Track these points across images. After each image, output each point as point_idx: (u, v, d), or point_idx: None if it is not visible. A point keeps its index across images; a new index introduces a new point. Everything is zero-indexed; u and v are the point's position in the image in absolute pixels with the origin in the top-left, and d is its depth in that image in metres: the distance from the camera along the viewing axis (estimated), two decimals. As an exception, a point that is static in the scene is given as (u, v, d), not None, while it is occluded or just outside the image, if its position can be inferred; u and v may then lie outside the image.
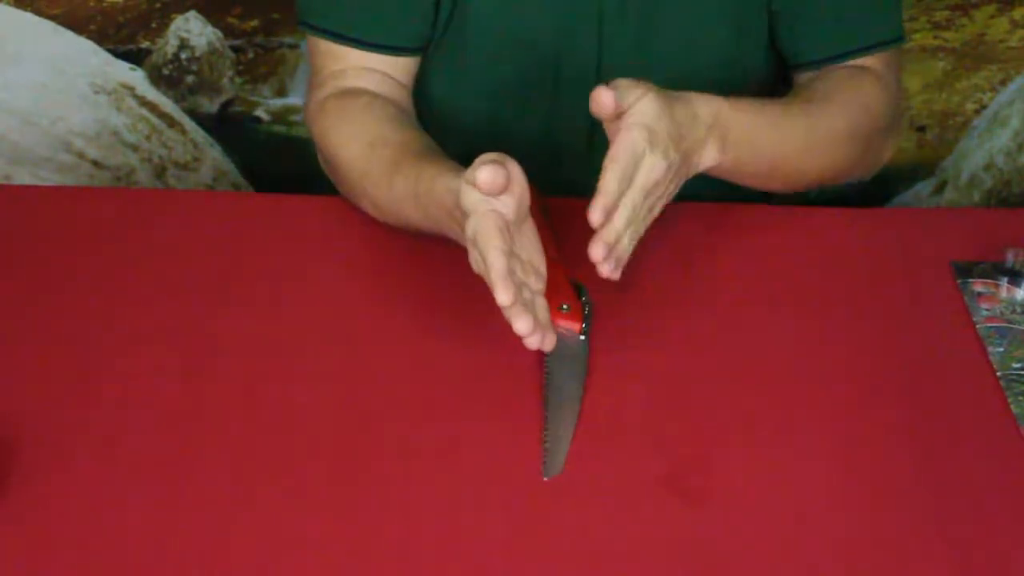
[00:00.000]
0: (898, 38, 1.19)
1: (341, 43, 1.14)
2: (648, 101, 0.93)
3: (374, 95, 1.14)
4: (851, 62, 1.16)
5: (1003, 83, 1.91)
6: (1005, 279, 1.04)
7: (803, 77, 1.18)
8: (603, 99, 0.92)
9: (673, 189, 0.97)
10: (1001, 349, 0.97)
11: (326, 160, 1.14)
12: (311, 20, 1.15)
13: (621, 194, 0.92)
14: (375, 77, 1.16)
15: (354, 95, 1.14)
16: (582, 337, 0.95)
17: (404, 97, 1.18)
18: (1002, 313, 1.01)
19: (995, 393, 0.93)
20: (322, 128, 1.13)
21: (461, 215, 0.89)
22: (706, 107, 0.99)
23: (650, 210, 0.95)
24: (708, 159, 1.00)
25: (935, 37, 1.86)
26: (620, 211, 0.91)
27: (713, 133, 0.99)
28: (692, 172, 1.00)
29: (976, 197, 1.98)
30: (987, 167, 1.96)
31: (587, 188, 1.16)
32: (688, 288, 0.99)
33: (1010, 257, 1.05)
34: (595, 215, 0.90)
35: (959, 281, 1.04)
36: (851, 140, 1.11)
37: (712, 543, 0.81)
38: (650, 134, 0.93)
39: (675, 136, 0.95)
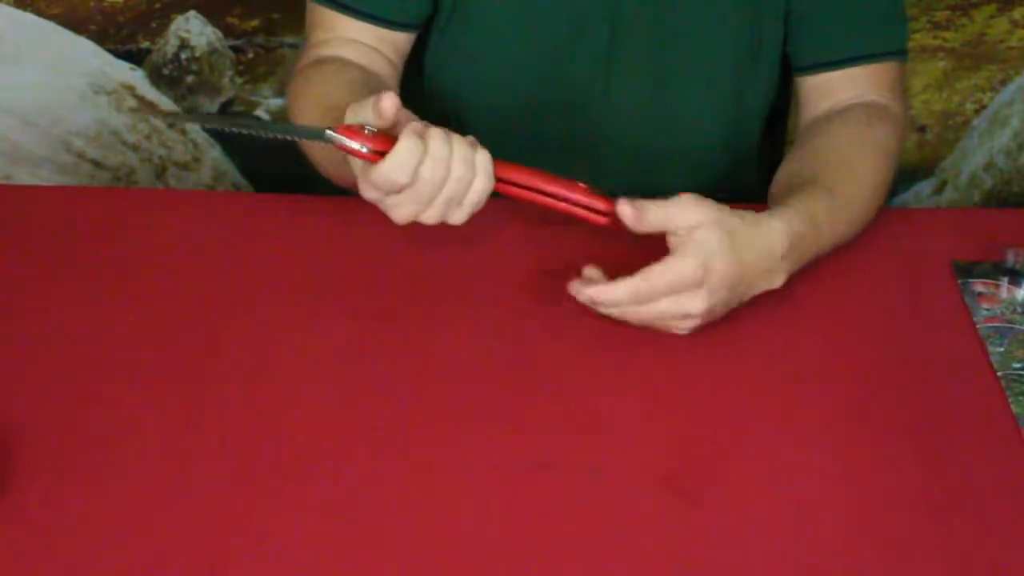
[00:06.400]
0: (904, 52, 1.19)
1: (337, 10, 1.15)
2: (712, 233, 0.92)
3: (345, 62, 1.14)
4: (858, 96, 1.16)
5: (1003, 83, 1.91)
6: (1005, 279, 1.04)
7: (809, 83, 1.18)
8: (626, 213, 0.92)
9: (718, 314, 0.96)
10: (1001, 349, 0.97)
11: (290, 119, 1.13)
12: None
13: (624, 303, 0.93)
14: (360, 48, 1.15)
15: (328, 62, 1.14)
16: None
17: (389, 71, 1.17)
18: (1002, 313, 1.01)
19: (995, 393, 0.93)
20: (291, 94, 1.14)
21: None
22: (781, 237, 0.97)
23: (665, 326, 0.95)
24: (776, 285, 0.99)
25: (935, 37, 1.86)
26: (627, 310, 0.93)
27: (786, 262, 0.98)
28: (751, 295, 0.98)
29: (976, 197, 1.98)
30: (987, 167, 1.96)
31: (597, 182, 1.16)
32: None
33: (1010, 257, 1.05)
34: (580, 294, 0.93)
35: (959, 281, 1.04)
36: (883, 192, 1.12)
37: (712, 543, 0.81)
38: (706, 272, 0.92)
39: (735, 278, 0.94)
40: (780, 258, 0.97)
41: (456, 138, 0.90)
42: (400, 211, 0.91)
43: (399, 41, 1.18)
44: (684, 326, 0.95)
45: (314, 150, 1.09)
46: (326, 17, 1.16)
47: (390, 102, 0.88)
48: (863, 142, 1.12)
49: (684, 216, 0.93)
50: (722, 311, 0.96)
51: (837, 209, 1.05)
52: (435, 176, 0.89)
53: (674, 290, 0.92)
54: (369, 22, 1.15)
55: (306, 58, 1.16)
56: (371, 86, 1.10)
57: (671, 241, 0.93)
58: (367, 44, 1.16)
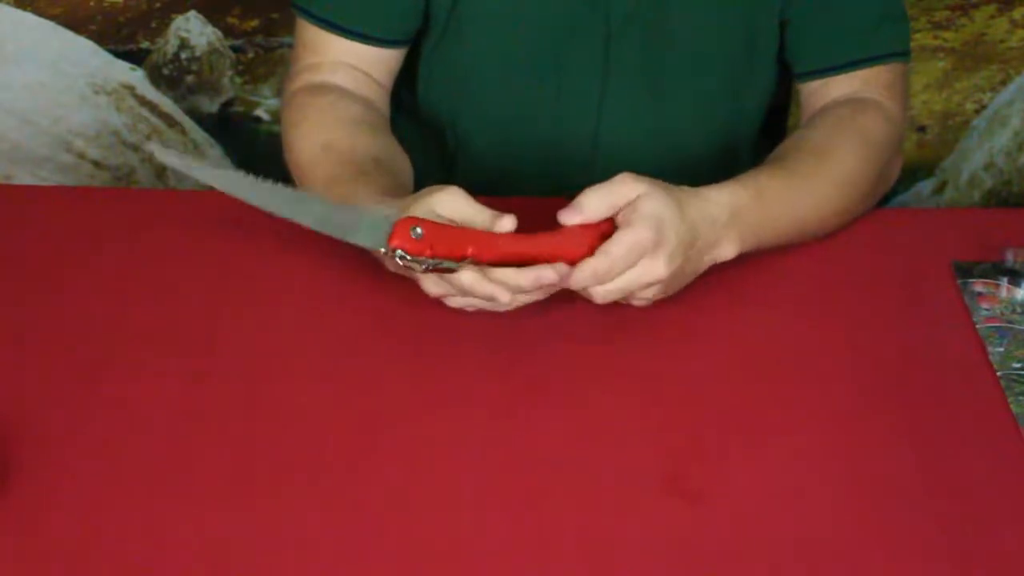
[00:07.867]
0: (903, 52, 1.18)
1: (327, 29, 1.15)
2: (658, 199, 0.92)
3: (341, 93, 1.15)
4: (852, 94, 1.15)
5: (1003, 83, 1.91)
6: (1005, 279, 1.04)
7: (807, 88, 1.18)
8: (568, 217, 0.92)
9: (676, 286, 0.96)
10: (1001, 349, 0.97)
11: (286, 151, 1.14)
12: (301, 3, 1.17)
13: (588, 283, 0.91)
14: (350, 72, 1.16)
15: (322, 92, 1.14)
16: None
17: (379, 95, 1.18)
18: (1002, 313, 1.01)
19: (995, 393, 0.93)
20: (286, 121, 1.14)
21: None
22: (721, 206, 0.98)
23: (627, 301, 0.95)
24: (726, 254, 0.99)
25: (935, 37, 1.87)
26: (596, 291, 0.92)
27: (730, 230, 0.98)
28: (704, 268, 0.98)
29: (976, 197, 1.98)
30: (987, 167, 1.96)
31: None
32: (687, 288, 0.99)
33: (1010, 257, 1.05)
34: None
35: (959, 281, 1.04)
36: (864, 181, 1.10)
37: (712, 543, 0.81)
38: (660, 236, 0.92)
39: (686, 240, 0.94)
40: (723, 226, 0.97)
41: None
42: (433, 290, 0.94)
43: (389, 59, 1.18)
44: (647, 295, 0.95)
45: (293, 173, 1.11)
46: (316, 37, 1.16)
47: (510, 224, 0.90)
48: (841, 129, 1.11)
49: (626, 190, 0.93)
50: (681, 282, 0.96)
51: (798, 187, 1.05)
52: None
53: (633, 261, 0.91)
54: (359, 41, 1.15)
55: (298, 81, 1.17)
56: (368, 121, 1.12)
57: (619, 219, 0.92)
58: (357, 67, 1.16)
